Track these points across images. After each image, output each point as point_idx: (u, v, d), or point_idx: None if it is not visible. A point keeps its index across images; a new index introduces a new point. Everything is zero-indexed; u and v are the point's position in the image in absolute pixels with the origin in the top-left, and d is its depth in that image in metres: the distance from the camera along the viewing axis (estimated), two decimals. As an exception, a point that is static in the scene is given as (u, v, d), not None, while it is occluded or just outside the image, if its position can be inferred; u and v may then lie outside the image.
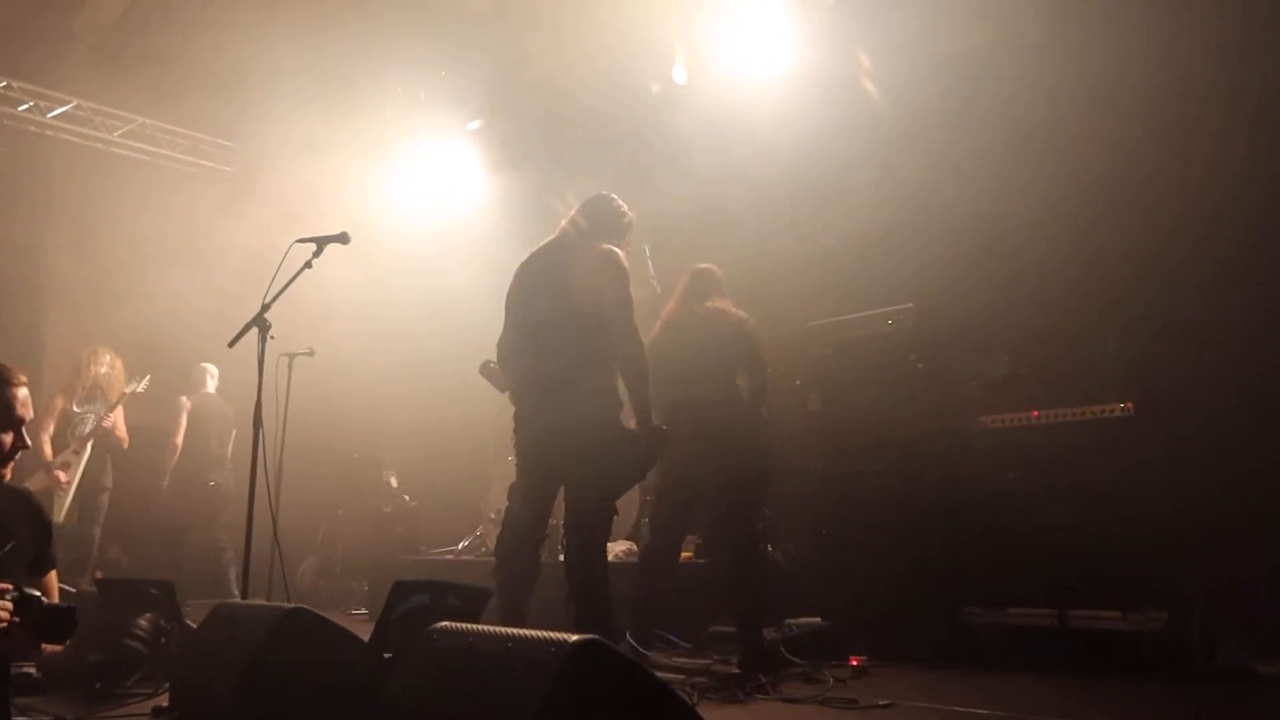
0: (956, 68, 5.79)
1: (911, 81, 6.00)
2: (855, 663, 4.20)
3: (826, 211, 6.43)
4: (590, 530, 3.93)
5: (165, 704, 3.13)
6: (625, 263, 3.99)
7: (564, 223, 4.27)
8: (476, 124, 8.54)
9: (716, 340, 4.70)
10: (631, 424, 3.97)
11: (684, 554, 5.57)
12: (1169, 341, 4.64)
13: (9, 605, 1.96)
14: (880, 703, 3.49)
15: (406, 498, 8.23)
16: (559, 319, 3.94)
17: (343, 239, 4.34)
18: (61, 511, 6.54)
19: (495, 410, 7.75)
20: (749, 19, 6.54)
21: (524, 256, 4.44)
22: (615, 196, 4.31)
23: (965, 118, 5.65)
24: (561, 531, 6.36)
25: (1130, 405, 4.34)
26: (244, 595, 4.05)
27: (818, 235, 6.47)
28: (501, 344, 4.35)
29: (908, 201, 5.94)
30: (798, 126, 6.35)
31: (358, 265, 7.36)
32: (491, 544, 6.83)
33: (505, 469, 7.03)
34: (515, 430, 4.17)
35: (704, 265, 5.01)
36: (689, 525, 4.96)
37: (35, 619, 1.98)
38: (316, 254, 4.30)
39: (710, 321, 4.76)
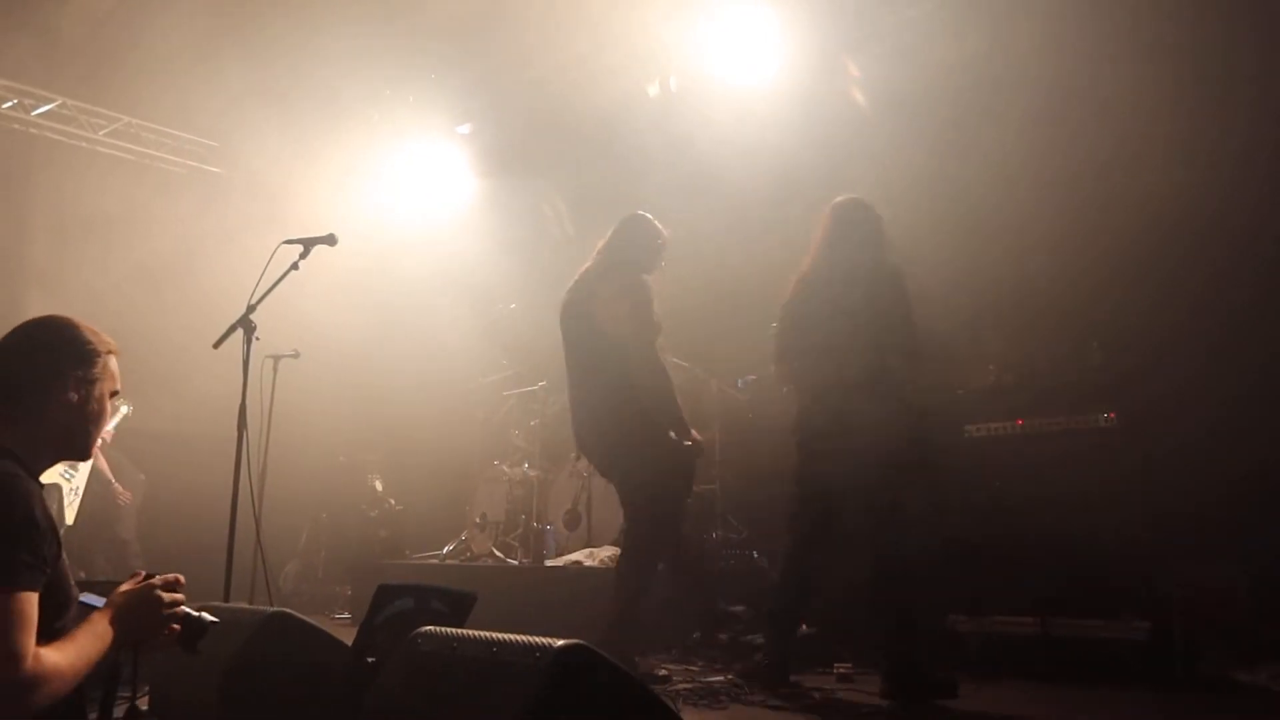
0: (946, 76, 5.83)
1: (901, 90, 6.03)
2: (846, 669, 4.21)
3: (815, 218, 6.44)
4: (640, 543, 4.15)
5: (145, 707, 3.10)
6: (646, 291, 4.18)
7: (600, 244, 4.45)
8: (466, 128, 8.54)
9: (861, 306, 3.83)
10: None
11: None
12: (1153, 352, 4.68)
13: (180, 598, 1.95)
14: (864, 709, 3.49)
15: (391, 501, 8.20)
16: (592, 347, 4.25)
17: (330, 240, 4.32)
18: (72, 514, 6.66)
19: (481, 414, 7.75)
20: (739, 27, 6.56)
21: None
22: (649, 217, 4.47)
23: (954, 127, 5.68)
24: (541, 531, 6.42)
25: (1113, 415, 4.36)
26: (226, 599, 4.01)
27: (806, 242, 6.49)
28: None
29: (894, 210, 5.95)
30: (786, 133, 6.37)
31: (345, 267, 7.34)
32: (476, 548, 6.83)
33: (491, 473, 7.03)
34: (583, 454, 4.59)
35: (849, 197, 4.18)
36: (829, 545, 4.04)
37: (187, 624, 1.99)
38: (303, 255, 4.28)
39: (857, 280, 3.90)
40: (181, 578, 1.98)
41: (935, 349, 4.06)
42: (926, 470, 3.96)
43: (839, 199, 4.16)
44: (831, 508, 3.92)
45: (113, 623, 1.85)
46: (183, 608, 1.96)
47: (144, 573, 1.98)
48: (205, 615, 2.01)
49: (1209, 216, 4.67)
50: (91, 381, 1.99)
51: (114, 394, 2.06)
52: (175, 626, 1.94)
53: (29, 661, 1.61)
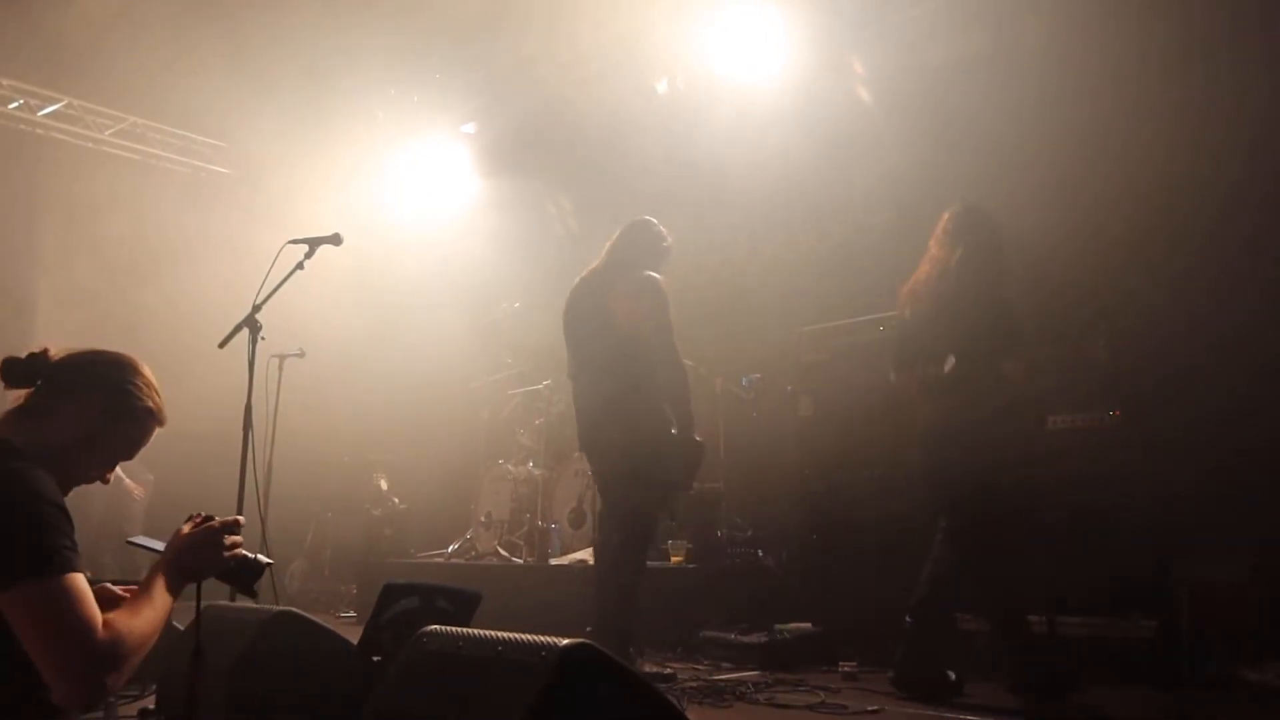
0: (951, 73, 5.82)
1: (906, 87, 6.02)
2: (851, 668, 4.20)
3: (820, 217, 6.45)
4: (628, 536, 4.15)
5: (152, 706, 3.11)
6: (664, 288, 4.24)
7: (607, 245, 4.49)
8: (470, 126, 8.54)
9: (963, 312, 3.84)
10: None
11: (674, 559, 5.58)
12: (1159, 350, 4.66)
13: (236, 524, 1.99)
14: (869, 708, 3.49)
15: (395, 500, 8.21)
16: (605, 344, 4.25)
17: (335, 240, 4.33)
18: None
19: (486, 413, 7.76)
20: (743, 25, 6.55)
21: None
22: (654, 221, 4.52)
23: (959, 124, 5.67)
24: (546, 529, 6.42)
25: (1119, 412, 4.35)
26: (232, 598, 4.02)
27: (811, 241, 6.49)
28: (569, 367, 4.59)
29: (901, 207, 5.96)
30: (792, 131, 6.36)
31: (350, 266, 7.35)
32: (481, 547, 6.85)
33: (496, 472, 7.04)
34: (582, 450, 4.52)
35: (966, 203, 4.12)
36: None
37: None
38: (308, 255, 4.29)
39: (959, 285, 3.87)
40: (241, 519, 1.99)
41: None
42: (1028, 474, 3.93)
43: (957, 206, 4.11)
44: (960, 507, 3.86)
45: (172, 564, 1.88)
46: (240, 550, 1.98)
47: (202, 514, 1.98)
48: (261, 557, 2.04)
49: (1218, 214, 4.66)
50: (113, 415, 1.97)
51: (131, 451, 2.03)
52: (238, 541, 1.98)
53: (101, 630, 1.64)
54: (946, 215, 4.11)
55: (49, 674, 1.61)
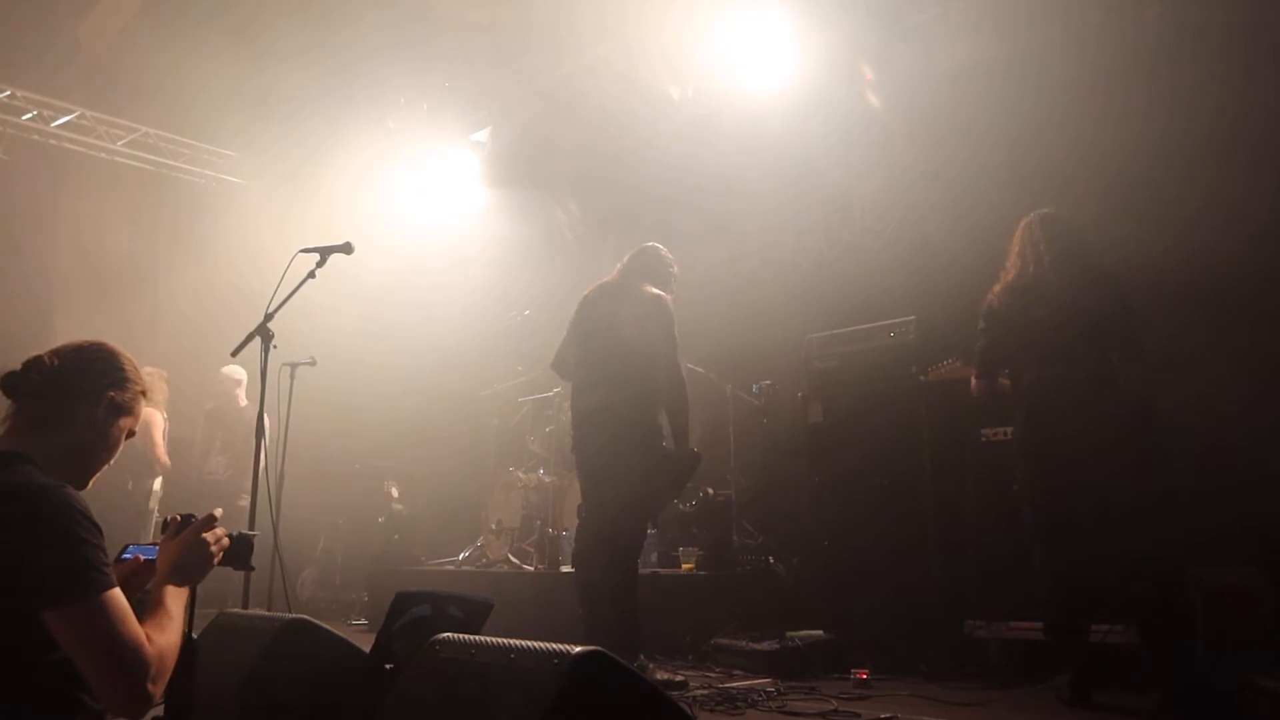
0: (960, 81, 5.81)
1: (915, 94, 6.02)
2: (864, 675, 4.19)
3: (829, 224, 6.45)
4: (620, 544, 4.26)
5: (162, 714, 3.12)
6: (672, 306, 4.45)
7: (618, 265, 4.73)
8: (481, 135, 8.58)
9: (1083, 309, 3.82)
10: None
11: (685, 566, 5.57)
12: (1164, 353, 4.63)
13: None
14: (883, 716, 3.47)
15: (398, 507, 8.21)
16: (611, 356, 4.42)
17: (346, 249, 4.34)
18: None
19: (497, 421, 7.77)
20: (753, 32, 6.56)
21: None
22: (662, 248, 4.76)
23: (969, 131, 5.67)
24: (556, 537, 6.42)
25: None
26: (244, 605, 4.03)
27: (820, 248, 6.49)
28: (558, 357, 4.77)
29: (910, 214, 5.95)
30: (802, 139, 6.37)
31: (362, 275, 7.37)
32: (492, 554, 6.86)
33: (506, 479, 7.04)
34: (574, 453, 4.58)
35: (1048, 210, 4.13)
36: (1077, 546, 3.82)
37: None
38: (320, 264, 4.30)
39: (1070, 281, 3.87)
40: (217, 512, 2.06)
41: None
42: (1166, 470, 3.87)
43: (1039, 211, 4.11)
44: (1071, 510, 3.81)
45: (173, 575, 1.95)
46: (224, 539, 2.06)
47: (178, 516, 2.04)
48: (245, 532, 2.14)
49: (1227, 220, 4.63)
50: (120, 409, 2.02)
51: (130, 434, 2.08)
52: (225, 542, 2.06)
53: (148, 643, 1.73)
54: (1031, 219, 4.09)
55: (102, 690, 1.69)
